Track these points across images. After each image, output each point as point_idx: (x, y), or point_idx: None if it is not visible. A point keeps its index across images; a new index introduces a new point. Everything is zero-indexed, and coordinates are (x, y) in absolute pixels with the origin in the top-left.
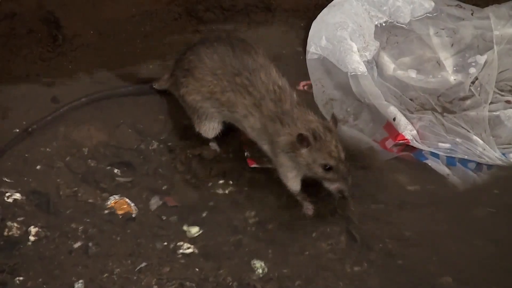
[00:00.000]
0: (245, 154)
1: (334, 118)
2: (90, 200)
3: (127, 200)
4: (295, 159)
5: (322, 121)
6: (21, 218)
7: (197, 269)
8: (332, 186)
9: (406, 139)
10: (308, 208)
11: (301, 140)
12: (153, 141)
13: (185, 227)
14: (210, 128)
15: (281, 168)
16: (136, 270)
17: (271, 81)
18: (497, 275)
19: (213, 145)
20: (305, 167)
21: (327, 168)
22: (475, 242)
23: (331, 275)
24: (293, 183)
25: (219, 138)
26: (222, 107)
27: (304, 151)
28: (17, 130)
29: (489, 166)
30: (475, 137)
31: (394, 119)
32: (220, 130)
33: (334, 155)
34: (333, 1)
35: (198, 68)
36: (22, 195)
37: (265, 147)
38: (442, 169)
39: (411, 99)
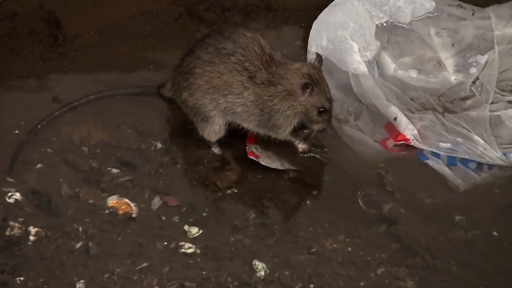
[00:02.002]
0: (247, 148)
1: (318, 57)
2: (91, 200)
3: (127, 200)
4: (293, 111)
5: (308, 63)
6: (22, 218)
7: (197, 269)
8: (318, 126)
9: (407, 139)
10: (301, 146)
11: (305, 87)
12: (154, 141)
13: (185, 227)
14: (212, 132)
15: (278, 128)
16: (136, 270)
17: (262, 52)
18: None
19: (216, 149)
20: (301, 114)
21: (321, 111)
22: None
23: (332, 276)
24: (288, 135)
25: (220, 140)
26: (218, 96)
27: (303, 98)
28: (17, 131)
29: (490, 166)
30: (476, 137)
31: (395, 119)
32: (223, 135)
33: (328, 97)
34: (334, 1)
35: (196, 65)
36: (22, 195)
37: (258, 117)
38: (443, 169)
39: (412, 99)
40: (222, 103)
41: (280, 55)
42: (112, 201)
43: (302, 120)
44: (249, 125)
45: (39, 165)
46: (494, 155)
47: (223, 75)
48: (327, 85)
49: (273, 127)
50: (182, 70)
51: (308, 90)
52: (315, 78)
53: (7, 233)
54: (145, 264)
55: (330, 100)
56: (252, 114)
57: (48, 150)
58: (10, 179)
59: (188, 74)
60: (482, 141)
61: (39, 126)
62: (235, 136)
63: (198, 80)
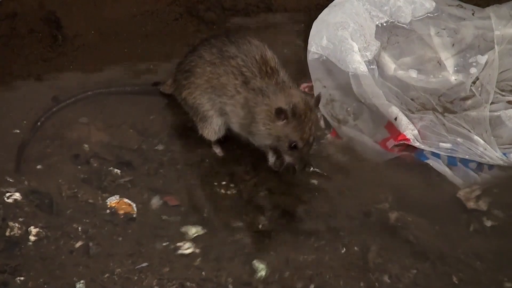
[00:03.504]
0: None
1: (318, 98)
2: (91, 200)
3: (127, 200)
4: (267, 129)
5: (305, 97)
6: (22, 218)
7: (197, 270)
8: (288, 159)
9: (407, 139)
10: (270, 160)
11: (279, 113)
12: (154, 141)
13: (186, 227)
14: (211, 131)
15: (256, 136)
16: (136, 270)
17: (264, 63)
18: None
19: (217, 149)
20: (274, 138)
21: (293, 146)
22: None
23: (332, 276)
24: (267, 149)
25: (221, 141)
26: (214, 95)
27: (279, 123)
28: (18, 131)
29: (490, 166)
30: (476, 137)
31: (395, 119)
32: (222, 135)
33: (305, 137)
34: (334, 1)
35: (198, 64)
36: (22, 195)
37: (240, 122)
38: (443, 169)
39: (412, 99)
40: (217, 103)
41: (288, 74)
42: (112, 201)
43: (275, 145)
44: (233, 126)
45: (39, 165)
46: (494, 155)
47: (221, 76)
48: (311, 128)
49: (250, 133)
50: (183, 68)
51: (281, 117)
52: (299, 113)
53: (7, 233)
54: (145, 264)
55: (306, 141)
56: (237, 116)
57: (48, 150)
58: (10, 179)
59: (188, 72)
60: (482, 141)
61: (38, 123)
62: (235, 136)
63: (198, 80)
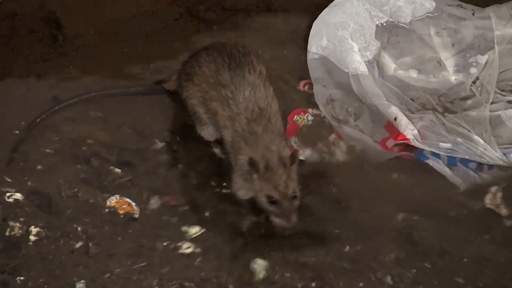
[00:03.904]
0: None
1: (293, 155)
2: (91, 200)
3: (127, 200)
4: (247, 182)
5: (282, 154)
6: (22, 218)
7: (197, 270)
8: (276, 220)
9: (407, 139)
10: (245, 223)
11: (252, 164)
12: (154, 141)
13: (185, 227)
14: (209, 133)
15: (235, 183)
16: (137, 270)
17: (253, 101)
18: None
19: (215, 149)
20: (254, 192)
21: (272, 201)
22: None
23: (333, 276)
24: (242, 197)
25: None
26: (209, 114)
27: (255, 176)
28: (17, 132)
29: (490, 166)
30: (476, 137)
31: (395, 119)
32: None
33: (280, 189)
34: (334, 1)
35: (197, 74)
36: (23, 195)
37: (232, 159)
38: (443, 169)
39: (412, 99)
40: (214, 122)
41: (278, 116)
42: (112, 201)
43: (260, 205)
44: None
45: (39, 166)
46: (494, 155)
47: (213, 101)
48: (286, 182)
49: (234, 181)
50: (186, 70)
51: (254, 169)
52: (270, 165)
53: (7, 233)
54: (145, 264)
55: (283, 195)
56: (230, 152)
57: (48, 150)
58: (10, 179)
59: (188, 76)
60: (482, 141)
61: (38, 120)
62: None
63: (195, 89)
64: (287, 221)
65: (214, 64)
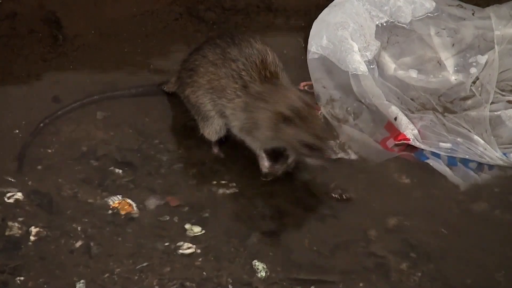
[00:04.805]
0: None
1: (314, 96)
2: (91, 200)
3: (128, 200)
4: (277, 135)
5: (304, 97)
6: (22, 218)
7: (198, 270)
8: (312, 160)
9: (407, 139)
10: (264, 166)
11: (285, 118)
12: (154, 141)
13: (186, 227)
14: (212, 131)
15: (256, 141)
16: (137, 270)
17: (264, 67)
18: None
19: (216, 149)
20: (286, 143)
21: (312, 147)
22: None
23: (333, 277)
24: (261, 151)
25: (222, 141)
26: (215, 96)
27: (288, 129)
28: (17, 131)
29: (490, 166)
30: (476, 137)
31: (395, 119)
32: (223, 135)
33: (317, 133)
34: (334, 1)
35: (201, 63)
36: (23, 195)
37: (241, 125)
38: (443, 169)
39: (412, 99)
40: (218, 105)
41: (288, 78)
42: (113, 201)
43: (290, 150)
44: (233, 129)
45: (39, 165)
46: (494, 155)
47: (222, 78)
48: (318, 122)
49: (252, 136)
50: (187, 66)
51: (288, 122)
52: (303, 115)
53: (7, 233)
54: (145, 264)
55: (318, 136)
56: (237, 119)
57: (49, 150)
58: (10, 179)
59: (192, 71)
60: (482, 141)
61: (41, 125)
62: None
63: (201, 79)
64: (322, 160)
65: (218, 48)
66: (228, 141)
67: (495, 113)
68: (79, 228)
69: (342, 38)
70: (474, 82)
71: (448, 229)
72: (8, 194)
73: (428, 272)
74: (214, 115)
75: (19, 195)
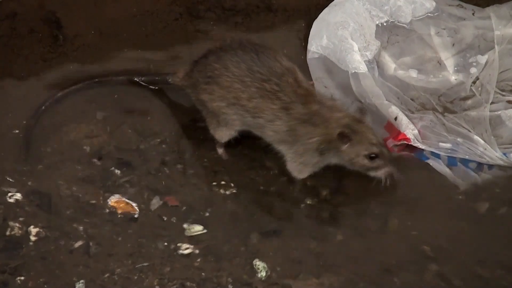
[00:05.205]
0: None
1: (361, 109)
2: (91, 200)
3: (128, 200)
4: (336, 155)
5: (351, 114)
6: (22, 218)
7: (198, 270)
8: (380, 173)
9: (407, 138)
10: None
11: (342, 137)
12: (154, 141)
13: (186, 227)
14: (226, 134)
15: (304, 165)
16: (137, 270)
17: (298, 85)
18: None
19: (221, 151)
20: (348, 162)
21: (372, 157)
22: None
23: (333, 276)
24: (305, 175)
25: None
26: (246, 113)
27: (345, 147)
28: (17, 131)
29: (490, 166)
30: (476, 137)
31: (395, 119)
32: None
33: (375, 142)
34: (334, 1)
35: (224, 76)
36: (23, 195)
37: (285, 148)
38: (443, 169)
39: (412, 99)
40: (250, 120)
41: (317, 92)
42: (113, 201)
43: (358, 169)
44: (265, 137)
45: (39, 166)
46: (494, 155)
47: (254, 98)
48: (372, 132)
49: (300, 163)
50: (204, 72)
51: (345, 140)
52: (354, 129)
53: (7, 233)
54: (145, 264)
55: (377, 144)
56: (283, 141)
57: (49, 150)
58: (10, 179)
59: (210, 79)
60: (482, 141)
61: (43, 107)
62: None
63: (224, 92)
64: (391, 166)
65: (243, 63)
66: (230, 142)
67: (495, 113)
68: (79, 228)
69: (342, 38)
70: (474, 82)
71: (448, 229)
72: (10, 194)
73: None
74: (236, 124)
75: (19, 196)
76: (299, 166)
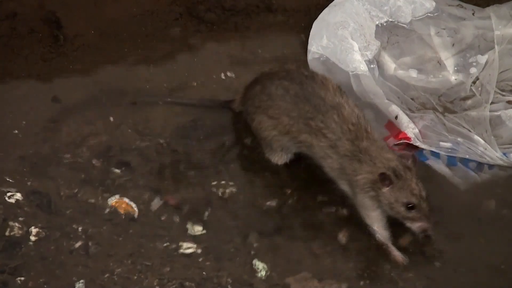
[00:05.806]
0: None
1: (414, 158)
2: (91, 200)
3: (128, 200)
4: (376, 198)
5: (401, 159)
6: (22, 218)
7: (198, 270)
8: (415, 225)
9: (407, 137)
10: (396, 255)
11: (383, 178)
12: (154, 141)
13: (186, 227)
14: (282, 158)
15: (362, 208)
16: (137, 270)
17: (344, 121)
18: None
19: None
20: (387, 206)
21: (410, 207)
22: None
23: (333, 276)
24: (379, 225)
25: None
26: (300, 144)
27: (385, 190)
28: (17, 131)
29: (490, 166)
30: (476, 137)
31: (396, 118)
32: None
33: (416, 193)
34: (334, 1)
35: (271, 107)
36: (23, 195)
37: (344, 187)
38: (443, 169)
39: (412, 99)
40: (306, 150)
41: (372, 129)
42: (113, 201)
43: (394, 215)
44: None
45: (39, 165)
46: (494, 155)
47: (302, 133)
48: (418, 183)
49: (360, 205)
50: (253, 101)
51: (387, 182)
52: (399, 173)
53: (7, 233)
54: (145, 264)
55: (418, 195)
56: (341, 179)
57: (49, 150)
58: (10, 180)
59: (259, 109)
60: (482, 141)
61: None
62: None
63: (274, 123)
64: (428, 222)
65: (289, 96)
66: (228, 141)
67: (495, 113)
68: (79, 228)
69: (342, 38)
70: (474, 82)
71: (450, 229)
72: (9, 194)
73: (428, 273)
74: (292, 150)
75: (19, 196)
76: (363, 212)
